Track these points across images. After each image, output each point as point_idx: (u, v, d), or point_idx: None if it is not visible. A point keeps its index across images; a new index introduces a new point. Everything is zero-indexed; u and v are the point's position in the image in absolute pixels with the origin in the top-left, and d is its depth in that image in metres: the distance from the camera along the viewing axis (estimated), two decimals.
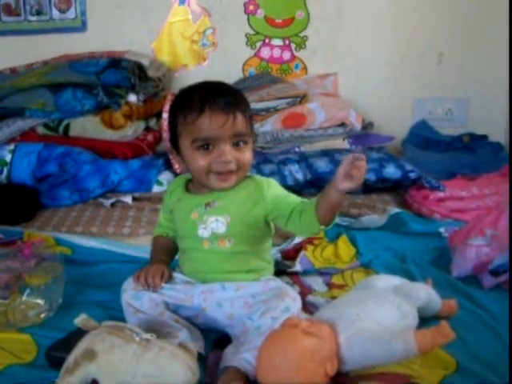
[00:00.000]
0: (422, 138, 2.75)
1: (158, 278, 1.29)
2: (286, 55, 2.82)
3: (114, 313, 1.32)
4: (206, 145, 1.25)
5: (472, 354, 1.16)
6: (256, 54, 2.82)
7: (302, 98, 2.50)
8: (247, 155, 1.29)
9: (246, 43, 2.80)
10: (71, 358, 1.03)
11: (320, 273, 1.56)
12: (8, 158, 2.25)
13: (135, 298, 1.27)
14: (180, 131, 1.29)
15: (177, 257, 1.44)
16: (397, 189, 2.13)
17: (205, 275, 1.31)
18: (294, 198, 1.28)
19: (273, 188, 1.31)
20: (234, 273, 1.30)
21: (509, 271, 1.42)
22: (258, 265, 1.34)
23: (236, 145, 1.27)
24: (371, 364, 1.08)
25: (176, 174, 2.17)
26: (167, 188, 1.48)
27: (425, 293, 1.26)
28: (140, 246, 1.71)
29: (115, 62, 2.45)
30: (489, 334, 1.25)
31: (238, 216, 1.29)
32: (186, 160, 1.31)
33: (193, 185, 1.37)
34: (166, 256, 1.41)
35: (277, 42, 2.80)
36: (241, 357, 1.10)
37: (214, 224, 1.29)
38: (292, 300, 1.22)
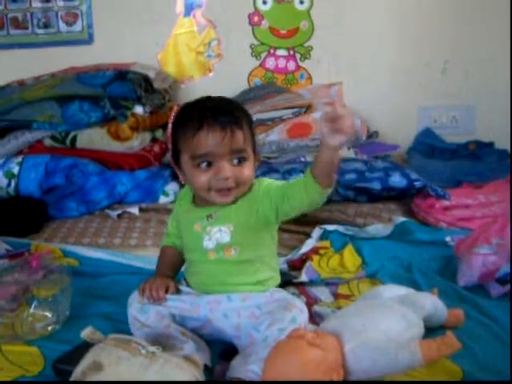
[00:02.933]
0: (428, 146, 2.76)
1: (163, 291, 1.29)
2: (291, 65, 2.83)
3: (121, 325, 1.32)
4: (204, 162, 1.26)
5: (479, 363, 1.16)
6: (261, 65, 2.83)
7: (308, 108, 2.51)
8: (247, 172, 1.28)
9: (251, 54, 2.82)
10: (78, 371, 1.03)
11: (326, 283, 1.56)
12: (16, 170, 2.27)
13: (141, 311, 1.28)
14: (180, 147, 1.30)
15: (183, 268, 1.44)
16: (402, 198, 2.12)
17: (212, 287, 1.31)
18: (284, 182, 1.30)
19: (262, 183, 1.31)
20: (241, 285, 1.30)
21: None
22: (265, 274, 1.33)
23: (235, 161, 1.26)
24: (377, 374, 1.08)
25: (182, 185, 2.18)
26: (178, 195, 1.49)
27: (430, 303, 1.26)
28: (147, 257, 1.72)
29: (121, 74, 2.47)
30: (496, 343, 1.24)
31: (240, 223, 1.29)
32: (187, 175, 1.31)
33: (197, 197, 1.37)
34: (171, 270, 1.41)
35: (282, 52, 2.82)
36: (248, 368, 1.10)
37: (218, 234, 1.29)
38: (299, 311, 1.22)
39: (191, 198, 1.38)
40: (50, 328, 1.32)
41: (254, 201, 1.29)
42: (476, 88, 2.81)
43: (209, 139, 1.24)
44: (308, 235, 1.85)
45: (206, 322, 1.28)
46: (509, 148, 2.66)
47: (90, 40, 2.78)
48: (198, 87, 2.73)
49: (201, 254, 1.32)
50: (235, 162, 1.26)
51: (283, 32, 2.80)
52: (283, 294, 1.31)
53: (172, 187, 2.23)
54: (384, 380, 1.09)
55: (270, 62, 2.83)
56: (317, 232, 1.86)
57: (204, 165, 1.26)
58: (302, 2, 2.76)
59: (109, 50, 2.74)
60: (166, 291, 1.30)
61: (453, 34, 2.76)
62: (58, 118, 2.37)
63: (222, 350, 1.26)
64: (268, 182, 1.32)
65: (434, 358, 1.08)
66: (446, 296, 1.37)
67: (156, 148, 2.49)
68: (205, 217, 1.30)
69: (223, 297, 1.28)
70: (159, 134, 2.56)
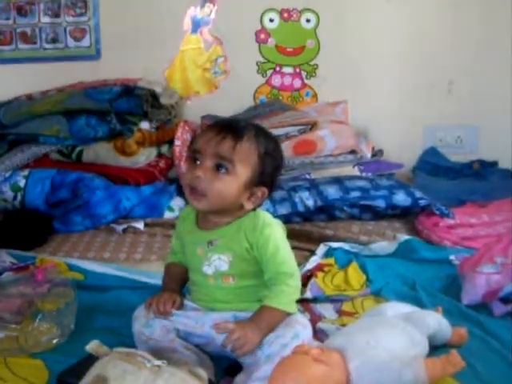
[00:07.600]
0: (432, 164, 2.76)
1: (170, 306, 1.29)
2: (297, 83, 2.85)
3: (126, 339, 1.32)
4: (193, 156, 1.27)
5: (482, 382, 1.16)
6: (267, 82, 2.85)
7: (313, 126, 2.52)
8: (222, 184, 1.24)
9: (257, 71, 2.83)
10: None
11: (330, 300, 1.56)
12: (22, 183, 2.28)
13: (147, 325, 1.28)
14: None
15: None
16: (407, 216, 2.13)
17: (213, 304, 1.32)
18: (276, 263, 1.26)
19: (263, 231, 1.26)
20: (242, 303, 1.30)
21: None
22: (266, 293, 1.32)
23: (217, 168, 1.24)
24: None
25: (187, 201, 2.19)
26: (180, 214, 1.48)
27: (435, 321, 1.26)
28: (152, 272, 1.72)
29: (128, 89, 2.49)
30: (499, 361, 1.24)
31: (239, 255, 1.27)
32: None
33: (200, 217, 1.35)
34: (178, 285, 1.40)
35: (288, 69, 2.84)
36: None
37: (217, 262, 1.28)
38: (302, 326, 1.22)
39: (195, 219, 1.36)
40: (54, 341, 1.32)
41: (252, 241, 1.26)
42: (480, 108, 2.82)
43: (203, 136, 1.27)
44: (312, 252, 1.85)
45: (211, 339, 1.27)
46: None
47: (97, 55, 2.80)
48: (204, 104, 2.73)
49: (201, 276, 1.32)
50: (217, 169, 1.24)
51: (289, 50, 2.82)
52: None
53: (177, 203, 2.23)
54: None
55: (276, 80, 2.84)
56: (321, 249, 1.86)
57: (192, 160, 1.27)
58: (308, 21, 2.78)
59: (116, 65, 2.75)
60: (173, 306, 1.30)
61: (457, 55, 2.78)
62: (65, 132, 2.39)
63: (228, 365, 1.26)
64: (267, 235, 1.26)
65: (438, 377, 1.08)
66: (449, 314, 1.37)
67: (162, 163, 2.50)
68: (206, 242, 1.30)
69: (230, 316, 1.28)
70: (165, 149, 2.56)
